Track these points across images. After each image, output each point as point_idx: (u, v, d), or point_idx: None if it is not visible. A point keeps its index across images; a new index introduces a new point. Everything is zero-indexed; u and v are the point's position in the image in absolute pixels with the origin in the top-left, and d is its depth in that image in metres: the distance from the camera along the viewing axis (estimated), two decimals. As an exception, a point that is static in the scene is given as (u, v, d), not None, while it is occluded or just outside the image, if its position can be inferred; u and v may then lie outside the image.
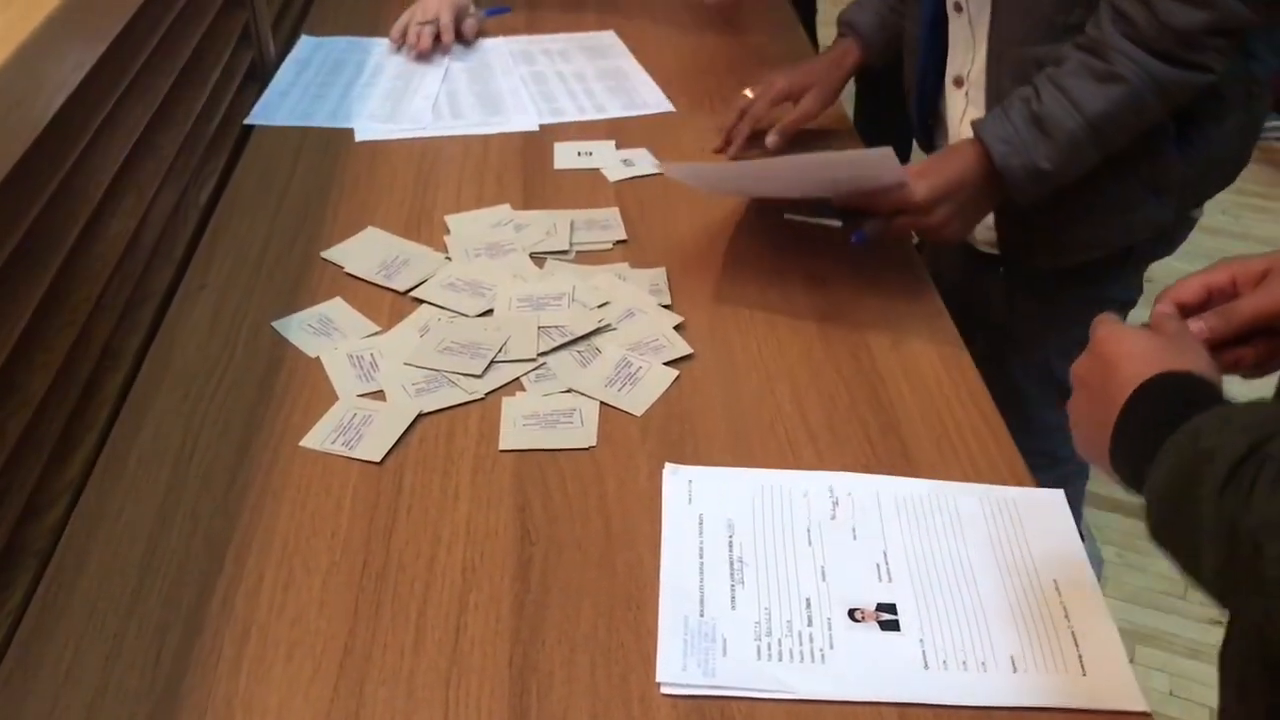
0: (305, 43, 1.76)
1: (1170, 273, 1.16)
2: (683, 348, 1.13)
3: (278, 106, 1.58)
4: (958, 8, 1.29)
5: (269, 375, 1.09)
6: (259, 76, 1.66)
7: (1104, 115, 1.11)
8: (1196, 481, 0.62)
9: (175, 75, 1.30)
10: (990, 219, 1.29)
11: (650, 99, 1.63)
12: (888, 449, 1.01)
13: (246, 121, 1.54)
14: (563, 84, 1.67)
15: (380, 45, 1.76)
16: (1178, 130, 1.21)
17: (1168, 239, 1.37)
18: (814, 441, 1.01)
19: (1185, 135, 1.22)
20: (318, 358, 1.11)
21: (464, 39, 1.75)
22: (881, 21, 1.44)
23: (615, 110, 1.60)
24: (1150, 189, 1.25)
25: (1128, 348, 0.74)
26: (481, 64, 1.72)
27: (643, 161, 1.47)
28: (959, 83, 1.33)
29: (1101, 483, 2.07)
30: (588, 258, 1.27)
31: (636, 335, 1.14)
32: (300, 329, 1.15)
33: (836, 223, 1.29)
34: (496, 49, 1.77)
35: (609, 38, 1.81)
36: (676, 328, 1.16)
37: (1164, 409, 0.68)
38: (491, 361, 1.10)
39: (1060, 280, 1.35)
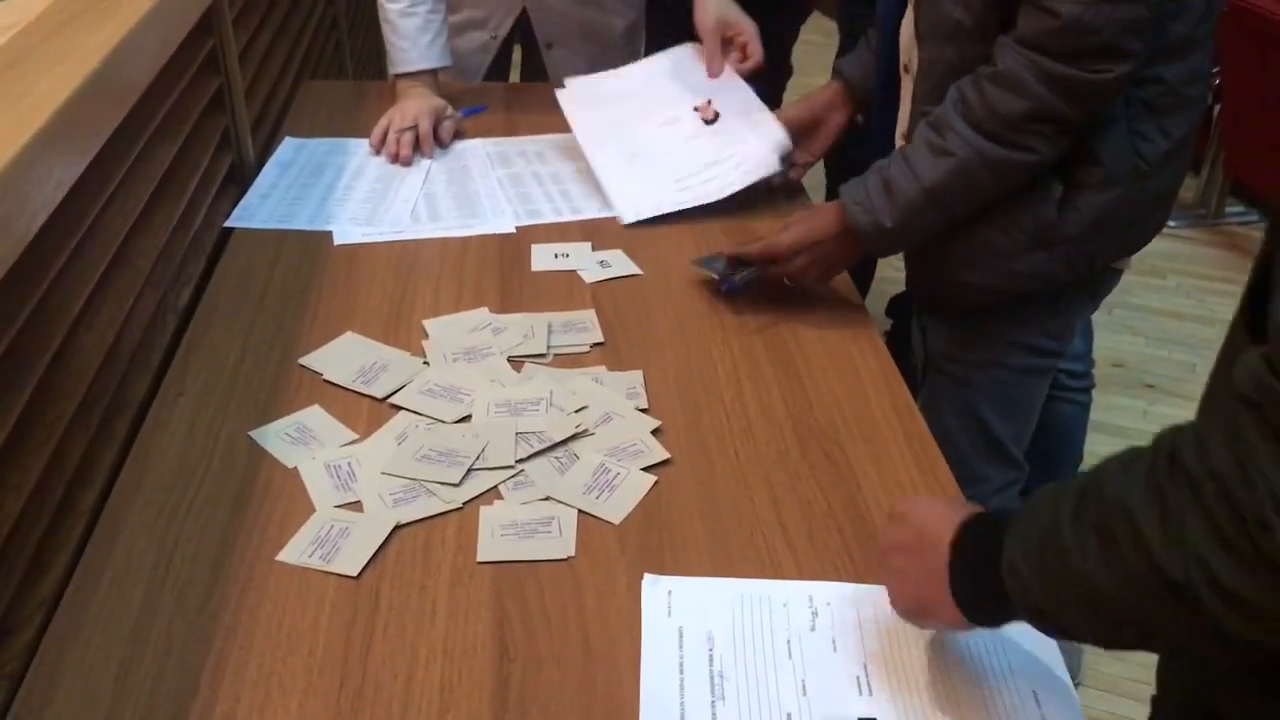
0: (288, 144, 1.79)
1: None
2: (660, 453, 1.13)
3: (257, 209, 1.59)
4: (905, 69, 1.45)
5: (245, 487, 1.08)
6: (238, 179, 1.67)
7: (938, 184, 1.28)
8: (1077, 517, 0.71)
9: (155, 183, 1.32)
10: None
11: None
12: (865, 557, 1.01)
13: (226, 224, 1.55)
14: (539, 185, 1.69)
15: (362, 146, 1.78)
16: (1063, 194, 1.32)
17: (1089, 291, 1.49)
18: (793, 550, 1.02)
19: (1068, 199, 1.33)
20: (295, 468, 1.11)
21: (441, 143, 1.78)
22: (865, 71, 1.60)
23: (591, 211, 1.62)
24: (1032, 242, 1.35)
25: (927, 508, 0.87)
26: (459, 165, 1.75)
27: (619, 263, 1.48)
28: (905, 137, 1.44)
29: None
30: (565, 361, 1.28)
31: (614, 440, 1.15)
32: (277, 438, 1.14)
33: (718, 273, 1.40)
34: (474, 151, 1.79)
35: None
36: (654, 432, 1.16)
37: (991, 531, 0.78)
38: (469, 469, 1.10)
39: (974, 321, 1.48)
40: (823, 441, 1.16)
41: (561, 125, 1.86)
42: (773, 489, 1.09)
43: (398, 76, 1.83)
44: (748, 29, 1.70)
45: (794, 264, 1.37)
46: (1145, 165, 1.32)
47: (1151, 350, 3.00)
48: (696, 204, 1.61)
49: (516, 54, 2.17)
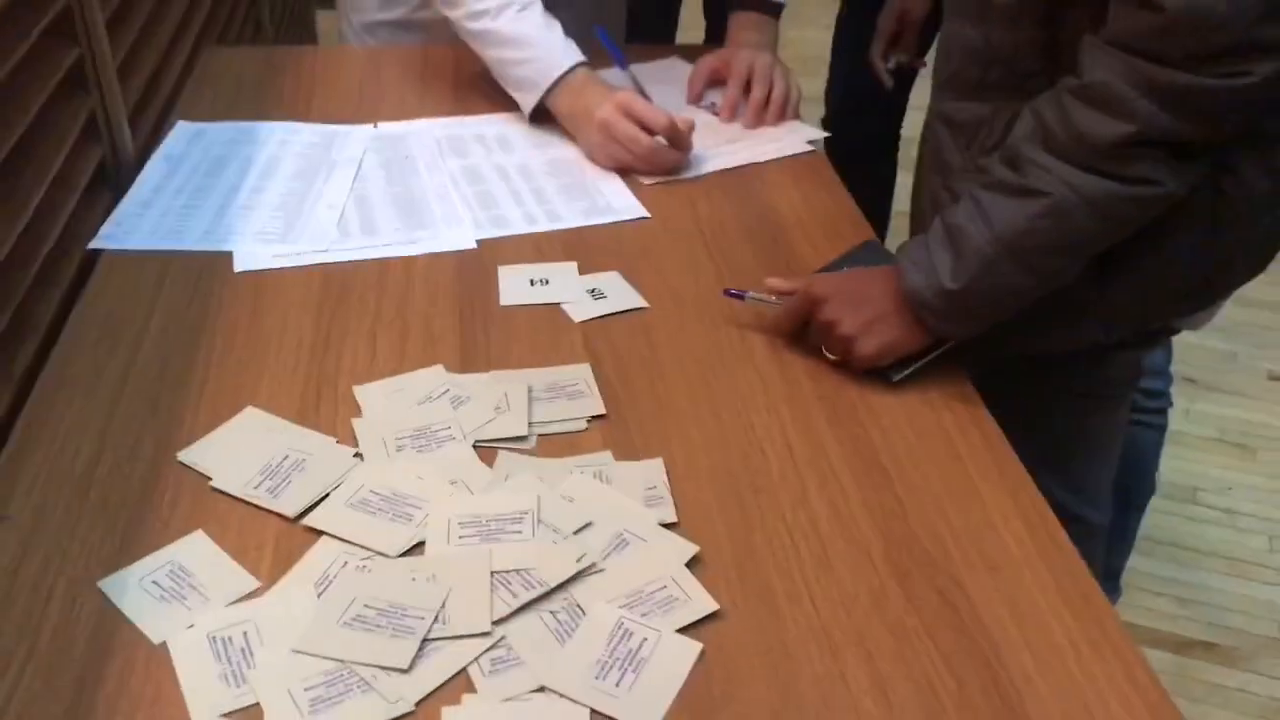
0: (180, 132, 1.39)
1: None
2: (704, 600, 0.78)
3: (135, 224, 1.21)
4: None
5: (87, 679, 0.72)
6: (112, 182, 1.28)
7: (1018, 232, 0.93)
8: None
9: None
10: None
11: (617, 202, 1.29)
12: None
13: (91, 246, 1.16)
14: (504, 182, 1.32)
15: (276, 131, 1.40)
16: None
17: (1146, 341, 1.22)
18: (923, 778, 0.67)
19: (1106, 253, 0.98)
20: (164, 643, 0.74)
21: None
22: None
23: (574, 219, 1.25)
24: (1061, 306, 1.01)
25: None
26: (398, 155, 1.36)
27: (616, 292, 1.12)
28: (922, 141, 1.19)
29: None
30: (554, 445, 0.92)
31: (634, 579, 0.79)
32: (140, 591, 0.78)
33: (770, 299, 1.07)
34: (419, 136, 1.41)
35: None
36: (691, 563, 0.81)
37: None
38: (424, 640, 0.74)
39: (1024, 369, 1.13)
40: (930, 572, 0.81)
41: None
42: (873, 660, 0.75)
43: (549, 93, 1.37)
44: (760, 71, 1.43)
45: (824, 312, 1.00)
46: (1228, 210, 0.98)
47: (1185, 337, 2.68)
48: (725, 168, 1.35)
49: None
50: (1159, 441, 1.68)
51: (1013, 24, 1.00)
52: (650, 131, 1.31)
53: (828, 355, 1.01)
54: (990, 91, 1.05)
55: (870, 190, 1.98)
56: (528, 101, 1.38)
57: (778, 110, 1.43)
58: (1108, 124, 0.88)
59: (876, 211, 1.96)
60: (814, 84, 2.66)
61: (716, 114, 1.45)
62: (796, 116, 1.45)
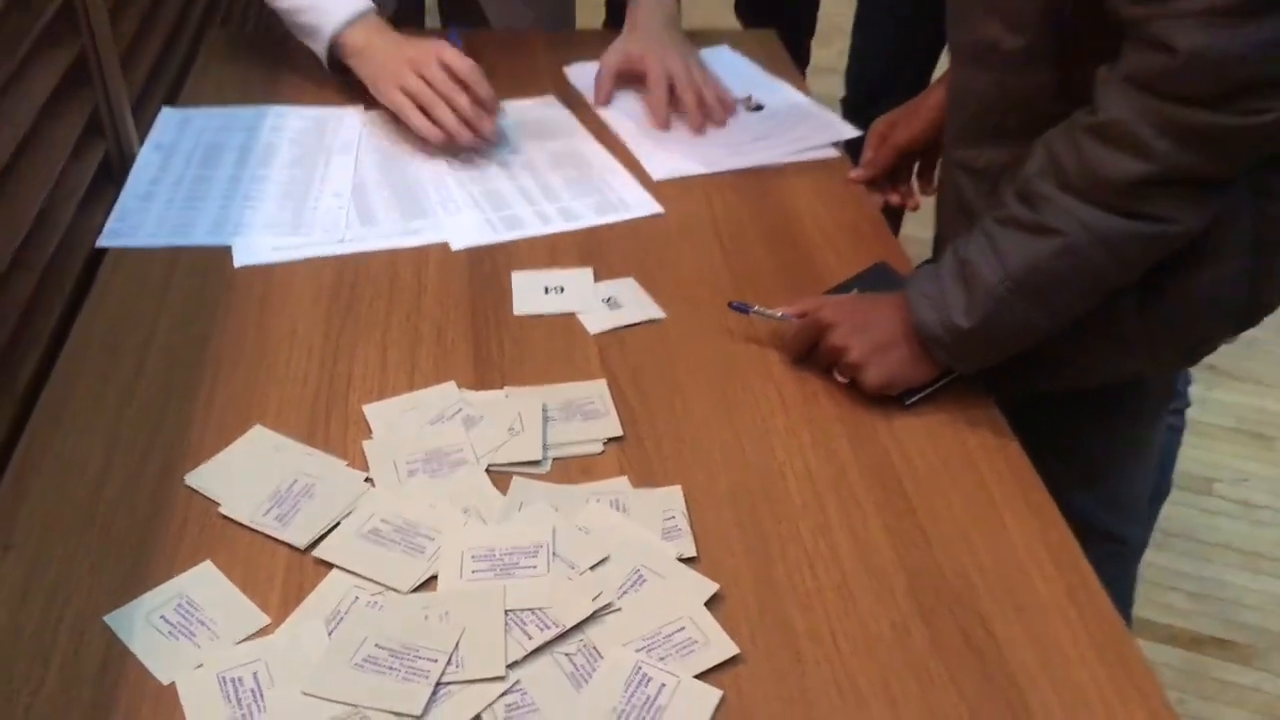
0: (166, 118, 1.35)
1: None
2: (724, 644, 0.76)
3: (140, 219, 1.18)
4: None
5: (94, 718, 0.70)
6: (117, 178, 1.25)
7: (1033, 270, 0.91)
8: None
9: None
10: None
11: (630, 197, 1.26)
12: None
13: (99, 244, 1.14)
14: (510, 180, 1.28)
15: (265, 116, 1.36)
16: (1146, 274, 0.94)
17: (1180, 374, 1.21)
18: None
19: (1150, 283, 0.95)
20: (172, 683, 0.73)
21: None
22: None
23: (588, 216, 1.22)
24: (1104, 339, 1.01)
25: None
26: (387, 141, 1.33)
27: (632, 300, 1.10)
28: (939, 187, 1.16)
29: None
30: (569, 469, 0.90)
31: (652, 620, 0.78)
32: (147, 626, 0.76)
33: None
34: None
35: (555, 109, 1.42)
36: (710, 602, 0.79)
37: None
38: (437, 683, 0.73)
39: (1054, 404, 1.11)
40: (957, 612, 0.79)
41: (525, 90, 1.44)
42: (897, 708, 0.73)
43: (337, 38, 1.32)
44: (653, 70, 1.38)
45: (831, 337, 0.98)
46: (1271, 231, 0.95)
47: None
48: (747, 166, 1.32)
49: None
50: (1177, 442, 1.66)
51: (1023, 68, 0.95)
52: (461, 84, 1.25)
53: (838, 378, 0.99)
54: (1009, 137, 0.99)
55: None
56: (319, 49, 1.33)
57: (721, 118, 1.38)
58: (1126, 163, 0.85)
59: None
60: (827, 54, 2.61)
61: (756, 107, 1.42)
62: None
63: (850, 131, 1.38)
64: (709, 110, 1.37)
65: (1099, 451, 1.22)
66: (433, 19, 1.89)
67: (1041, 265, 0.90)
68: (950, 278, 0.95)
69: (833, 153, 1.35)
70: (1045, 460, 0.95)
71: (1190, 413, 2.37)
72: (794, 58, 1.59)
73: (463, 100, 1.26)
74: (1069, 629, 0.78)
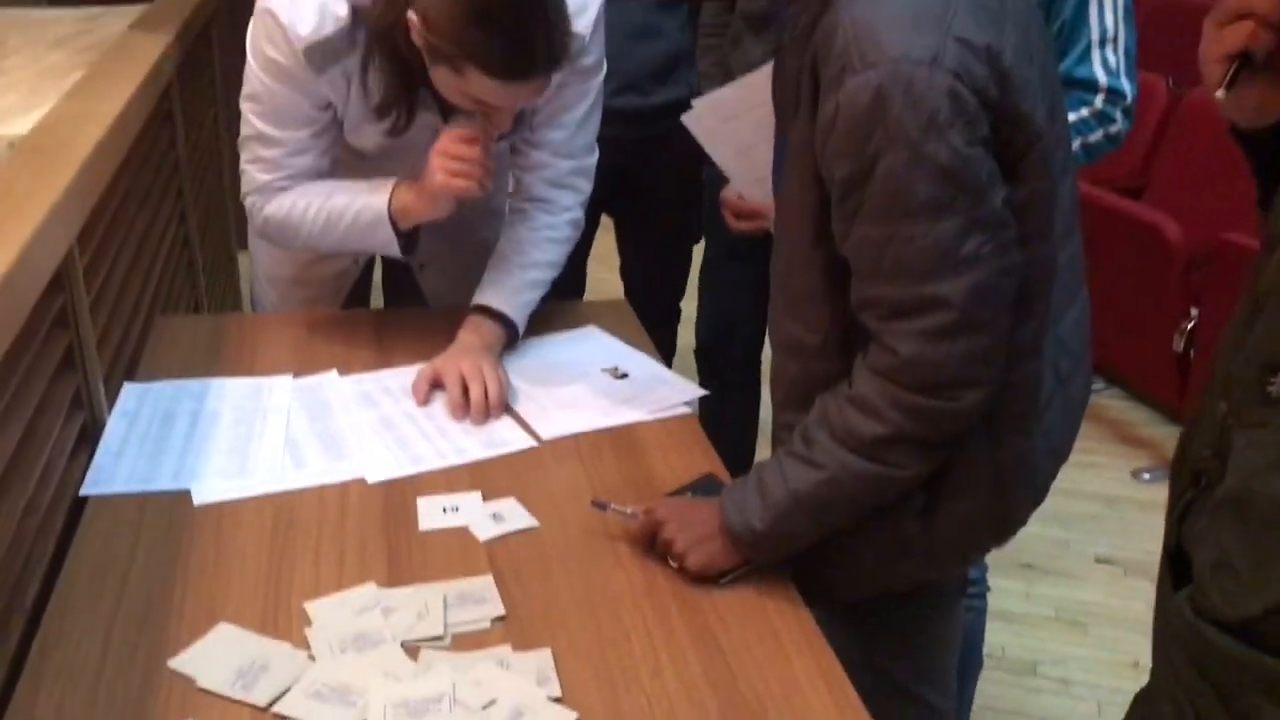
0: (128, 393, 1.65)
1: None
2: (581, 754, 1.04)
3: (113, 471, 1.46)
4: None
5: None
6: (91, 439, 1.54)
7: (808, 494, 1.23)
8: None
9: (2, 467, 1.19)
10: None
11: (509, 435, 1.58)
12: None
13: (81, 493, 1.41)
14: (413, 425, 1.60)
15: (210, 387, 1.67)
16: (924, 502, 1.27)
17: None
18: None
19: (930, 507, 1.28)
20: (168, 807, 0.98)
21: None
22: None
23: (475, 451, 1.54)
24: (898, 553, 1.31)
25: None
26: (317, 401, 1.64)
27: (512, 515, 1.40)
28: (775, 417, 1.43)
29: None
30: (466, 641, 1.19)
31: (528, 741, 1.05)
32: (146, 769, 1.01)
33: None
34: (331, 384, 1.68)
35: None
36: (571, 726, 1.07)
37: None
38: (370, 794, 0.99)
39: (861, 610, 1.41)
40: (751, 723, 1.09)
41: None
42: (707, 789, 1.01)
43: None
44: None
45: (664, 531, 1.29)
46: (1006, 474, 1.29)
47: (1025, 527, 3.02)
48: (616, 424, 1.60)
49: (376, 275, 2.11)
50: (982, 622, 1.98)
51: (820, 357, 1.27)
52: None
53: (670, 564, 1.30)
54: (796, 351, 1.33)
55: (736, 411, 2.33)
56: (386, 235, 1.66)
57: (480, 410, 1.59)
58: (870, 425, 1.19)
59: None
60: (689, 307, 3.02)
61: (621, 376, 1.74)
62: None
63: (698, 391, 1.70)
64: (474, 405, 1.60)
65: (910, 629, 1.52)
66: (376, 298, 2.23)
67: (812, 491, 1.23)
68: (752, 490, 1.27)
69: (685, 410, 1.65)
70: (872, 636, 1.29)
71: (1013, 605, 2.74)
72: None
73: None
74: (832, 728, 1.08)
